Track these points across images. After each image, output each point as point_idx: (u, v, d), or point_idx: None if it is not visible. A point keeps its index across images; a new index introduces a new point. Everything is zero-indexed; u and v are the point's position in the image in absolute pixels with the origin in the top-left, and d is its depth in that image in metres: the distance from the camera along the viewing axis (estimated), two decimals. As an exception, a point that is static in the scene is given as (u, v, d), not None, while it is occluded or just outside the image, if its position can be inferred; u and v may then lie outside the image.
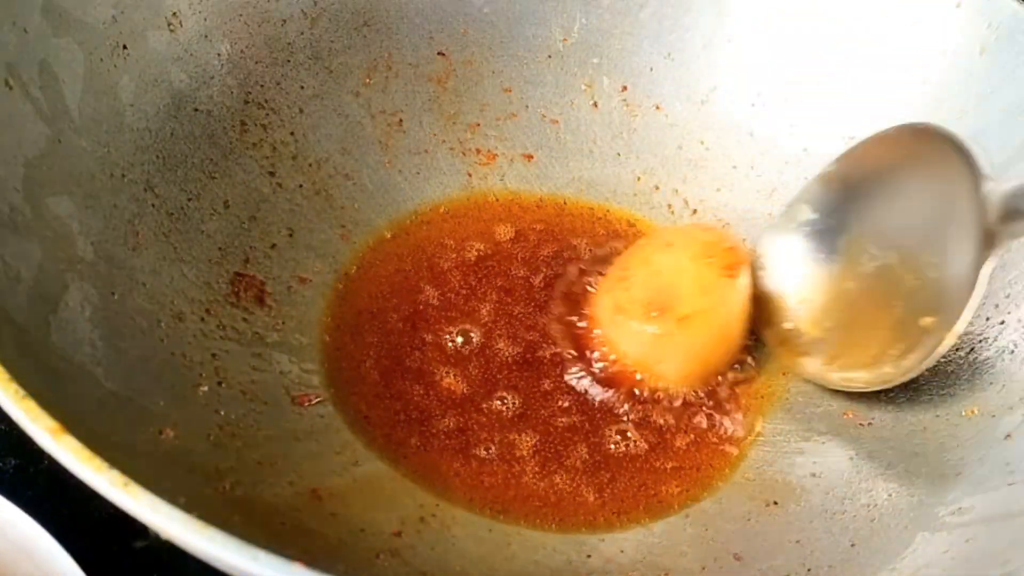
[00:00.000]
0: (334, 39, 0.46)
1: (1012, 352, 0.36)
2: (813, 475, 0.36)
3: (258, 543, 0.22)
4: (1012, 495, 0.31)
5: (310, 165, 0.45)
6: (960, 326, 0.34)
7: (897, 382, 0.36)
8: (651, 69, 0.48)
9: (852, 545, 0.32)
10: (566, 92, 0.48)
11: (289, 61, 0.45)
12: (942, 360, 0.37)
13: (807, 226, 0.40)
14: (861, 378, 0.37)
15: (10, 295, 0.29)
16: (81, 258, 0.34)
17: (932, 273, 0.36)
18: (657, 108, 0.48)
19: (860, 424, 0.37)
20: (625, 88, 0.48)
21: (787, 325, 0.39)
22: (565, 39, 0.48)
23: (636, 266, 0.39)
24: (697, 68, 0.47)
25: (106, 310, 0.33)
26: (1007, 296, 0.37)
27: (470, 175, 0.47)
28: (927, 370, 0.38)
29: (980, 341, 0.37)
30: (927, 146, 0.37)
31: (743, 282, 0.39)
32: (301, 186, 0.44)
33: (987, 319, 0.37)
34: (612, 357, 0.39)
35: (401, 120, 0.47)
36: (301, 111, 0.45)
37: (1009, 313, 0.37)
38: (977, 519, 0.31)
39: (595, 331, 0.40)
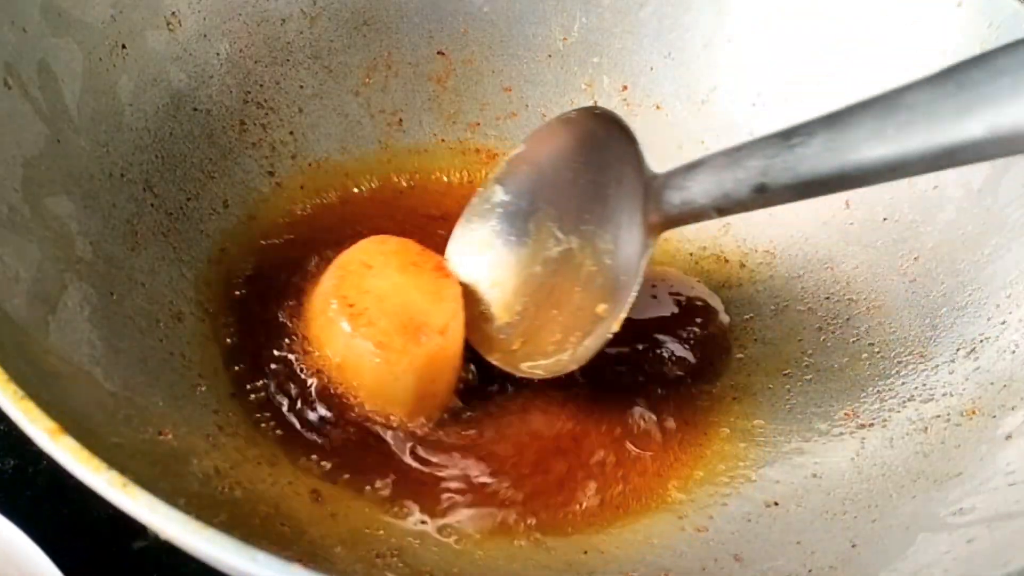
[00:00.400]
0: (333, 38, 0.46)
1: (1013, 352, 0.36)
2: (814, 475, 0.36)
3: (257, 543, 0.22)
4: (1013, 495, 0.31)
5: (309, 165, 0.45)
6: (623, 315, 0.35)
7: (571, 369, 0.36)
8: (651, 69, 0.47)
9: (853, 546, 0.32)
10: (566, 91, 0.48)
11: (288, 60, 0.45)
12: (943, 360, 0.37)
13: (500, 207, 0.40)
14: (543, 365, 0.37)
15: (9, 295, 0.29)
16: (80, 258, 0.34)
17: (607, 260, 0.36)
18: (657, 108, 0.48)
19: (861, 424, 0.37)
20: (625, 87, 0.48)
21: (480, 309, 0.39)
22: (565, 38, 0.48)
23: (357, 298, 0.36)
24: (697, 68, 0.47)
25: (105, 310, 0.33)
26: (1008, 296, 0.37)
27: (470, 175, 0.47)
28: (928, 370, 0.38)
29: (981, 341, 0.37)
30: (602, 131, 0.37)
31: (455, 278, 0.38)
32: (302, 187, 0.44)
33: (988, 319, 0.37)
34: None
35: (401, 119, 0.47)
36: (300, 110, 0.45)
37: (1010, 313, 0.37)
38: (978, 519, 0.31)
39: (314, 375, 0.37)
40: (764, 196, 0.31)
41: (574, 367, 0.36)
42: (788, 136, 0.30)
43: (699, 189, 0.33)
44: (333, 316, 0.36)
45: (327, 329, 0.36)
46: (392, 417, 0.36)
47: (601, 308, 0.36)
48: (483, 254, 0.40)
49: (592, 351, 0.36)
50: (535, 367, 0.37)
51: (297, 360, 0.37)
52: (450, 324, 0.36)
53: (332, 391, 0.36)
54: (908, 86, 0.27)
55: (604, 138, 0.37)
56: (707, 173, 0.33)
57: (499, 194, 0.40)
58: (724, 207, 0.32)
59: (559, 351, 0.37)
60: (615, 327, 0.35)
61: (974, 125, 0.25)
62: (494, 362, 0.38)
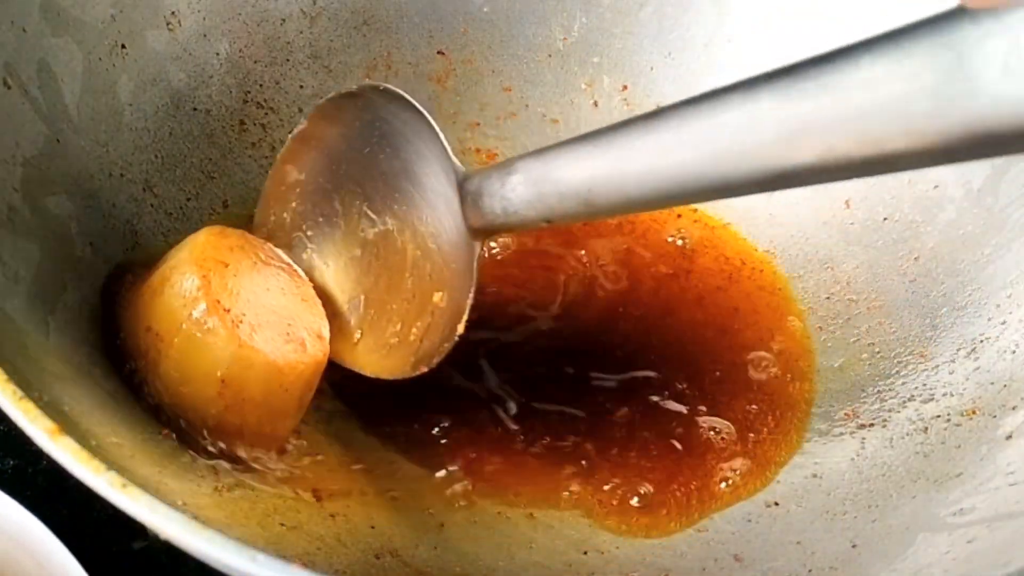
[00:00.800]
0: (333, 38, 0.46)
1: (1013, 352, 0.36)
2: (814, 476, 0.36)
3: (257, 544, 0.22)
4: (1013, 495, 0.31)
5: (309, 165, 0.45)
6: (464, 316, 0.33)
7: (421, 371, 0.34)
8: (651, 68, 0.47)
9: (853, 546, 0.32)
10: (566, 91, 0.48)
11: (288, 60, 0.45)
12: (943, 360, 0.37)
13: (297, 187, 0.37)
14: (388, 364, 0.35)
15: (9, 295, 0.29)
16: (80, 258, 0.34)
17: (432, 244, 0.34)
18: (658, 107, 0.48)
19: (861, 424, 0.37)
20: (625, 87, 0.48)
21: None
22: (565, 38, 0.48)
23: (230, 302, 0.32)
24: (697, 68, 0.47)
25: (105, 310, 0.33)
26: (1008, 296, 0.37)
27: (470, 175, 0.47)
28: (928, 370, 0.38)
29: (981, 341, 0.37)
30: (391, 104, 0.35)
31: (306, 278, 0.36)
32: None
33: (988, 319, 0.37)
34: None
35: (401, 119, 0.47)
36: (300, 110, 0.45)
37: (1010, 313, 0.37)
38: (978, 519, 0.31)
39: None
40: (592, 211, 0.29)
41: (424, 369, 0.34)
42: (611, 140, 0.29)
43: (521, 201, 0.31)
44: (213, 325, 0.31)
45: (205, 340, 0.31)
46: (277, 432, 0.33)
47: (438, 296, 0.34)
48: (294, 241, 0.37)
49: (441, 352, 0.33)
50: (382, 366, 0.35)
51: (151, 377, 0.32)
52: (322, 329, 0.34)
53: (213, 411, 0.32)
54: (727, 96, 0.26)
55: (395, 110, 0.35)
56: (526, 184, 0.30)
57: (293, 174, 0.37)
58: (553, 219, 0.31)
59: (403, 345, 0.34)
60: (460, 328, 0.33)
61: (803, 153, 0.23)
62: (336, 360, 0.35)
